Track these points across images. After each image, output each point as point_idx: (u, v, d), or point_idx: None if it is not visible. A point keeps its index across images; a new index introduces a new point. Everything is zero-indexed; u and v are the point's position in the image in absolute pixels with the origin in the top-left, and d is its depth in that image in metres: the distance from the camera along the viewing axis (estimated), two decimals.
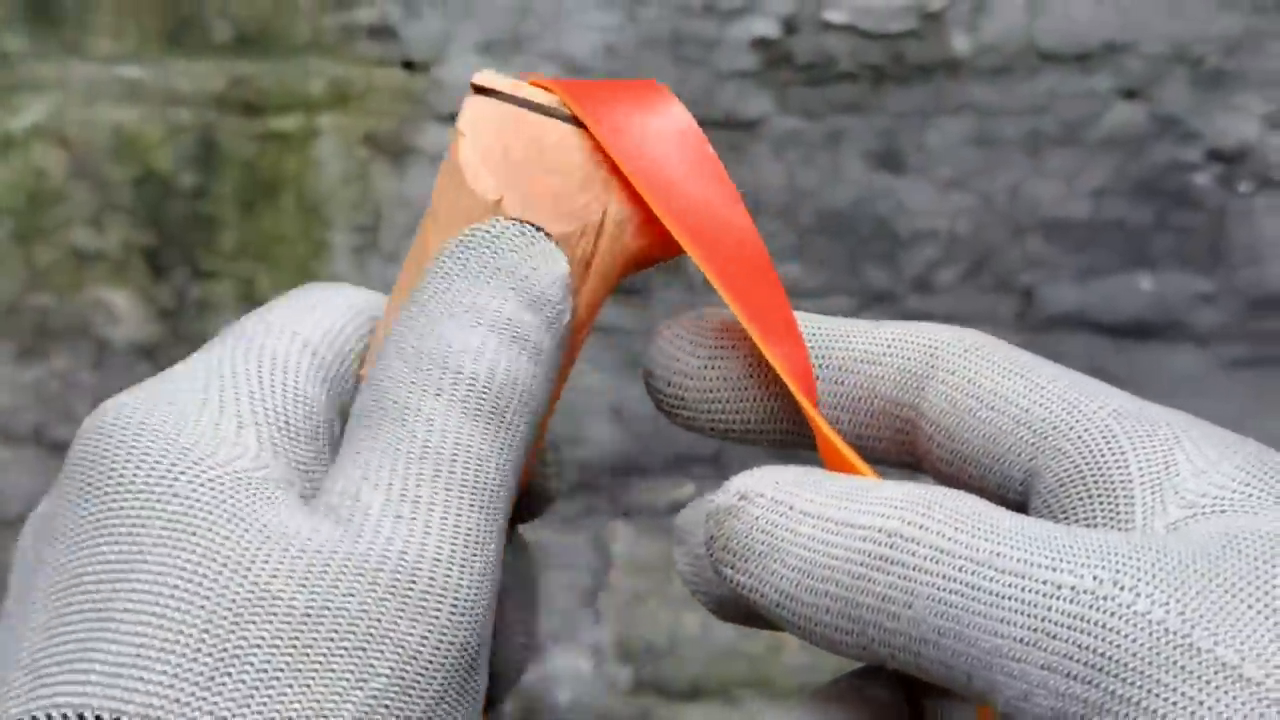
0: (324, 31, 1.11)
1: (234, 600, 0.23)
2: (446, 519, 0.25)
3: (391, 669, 0.23)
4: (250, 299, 1.12)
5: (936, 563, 0.23)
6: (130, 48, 1.12)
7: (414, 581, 0.24)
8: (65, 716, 0.22)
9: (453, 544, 0.24)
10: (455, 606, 0.24)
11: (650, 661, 1.23)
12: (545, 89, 0.28)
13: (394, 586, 0.24)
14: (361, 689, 0.23)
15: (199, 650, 0.23)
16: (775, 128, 1.11)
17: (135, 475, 0.25)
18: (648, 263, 0.29)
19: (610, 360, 1.12)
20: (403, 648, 0.24)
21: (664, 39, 1.10)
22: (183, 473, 0.25)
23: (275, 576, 0.23)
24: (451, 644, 0.24)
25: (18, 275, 1.15)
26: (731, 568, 0.26)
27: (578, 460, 1.17)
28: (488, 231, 0.27)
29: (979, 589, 0.23)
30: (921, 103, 1.11)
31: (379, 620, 0.23)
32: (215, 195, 1.13)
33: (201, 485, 0.25)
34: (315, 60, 1.12)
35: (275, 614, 0.23)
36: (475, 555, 0.25)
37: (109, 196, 1.14)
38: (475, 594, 0.25)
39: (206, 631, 0.23)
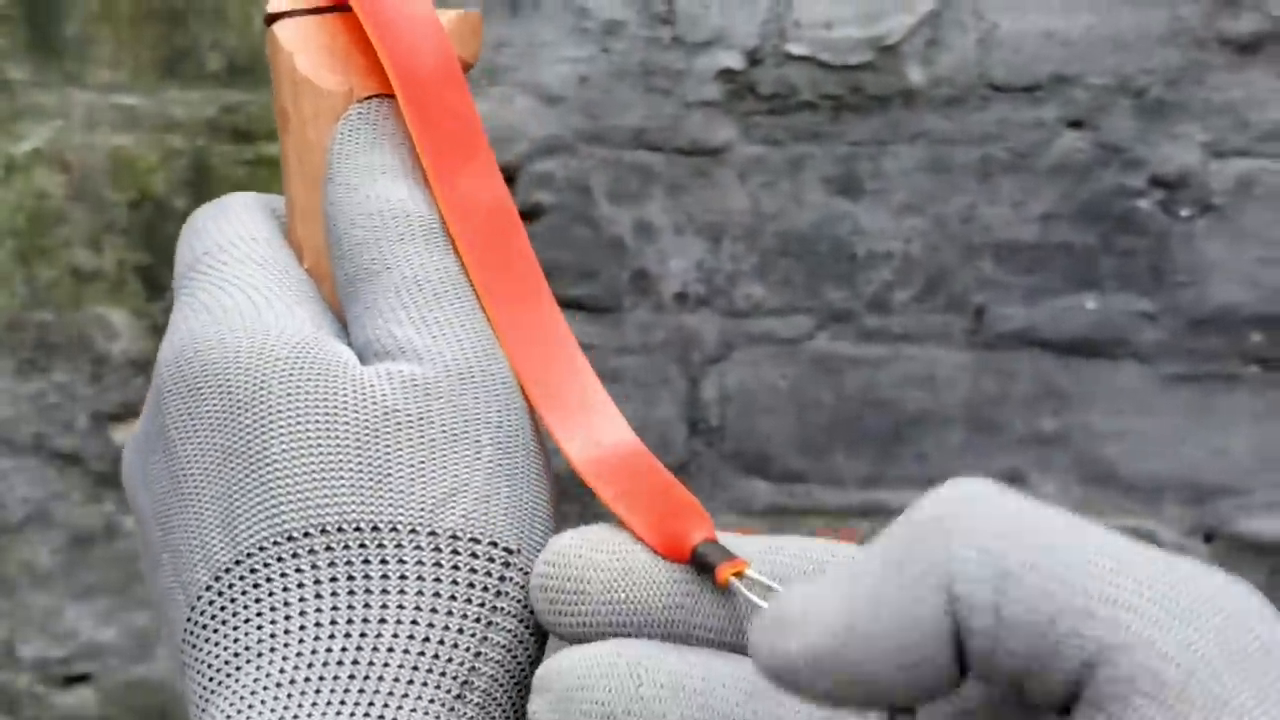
0: None
1: (368, 419, 0.29)
2: (463, 324, 0.31)
3: (492, 439, 0.30)
4: None
5: None
6: (127, 77, 1.13)
7: (472, 376, 0.30)
8: (298, 533, 0.28)
9: (476, 340, 0.31)
10: (505, 382, 0.30)
11: None
12: None
13: (464, 385, 0.30)
14: (479, 458, 0.29)
15: (359, 459, 0.29)
16: (739, 154, 1.12)
17: (248, 362, 0.30)
18: None
19: None
20: (489, 422, 0.30)
21: (634, 70, 1.11)
22: (282, 347, 0.30)
23: (388, 394, 0.29)
24: (512, 408, 0.30)
25: (19, 292, 1.15)
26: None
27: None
28: (358, 115, 0.33)
29: None
30: (878, 131, 1.11)
31: (466, 409, 0.30)
32: None
33: (300, 350, 0.30)
34: None
35: (400, 424, 0.29)
36: (491, 340, 0.31)
37: (107, 218, 1.15)
38: (506, 368, 0.31)
39: (357, 446, 0.29)
